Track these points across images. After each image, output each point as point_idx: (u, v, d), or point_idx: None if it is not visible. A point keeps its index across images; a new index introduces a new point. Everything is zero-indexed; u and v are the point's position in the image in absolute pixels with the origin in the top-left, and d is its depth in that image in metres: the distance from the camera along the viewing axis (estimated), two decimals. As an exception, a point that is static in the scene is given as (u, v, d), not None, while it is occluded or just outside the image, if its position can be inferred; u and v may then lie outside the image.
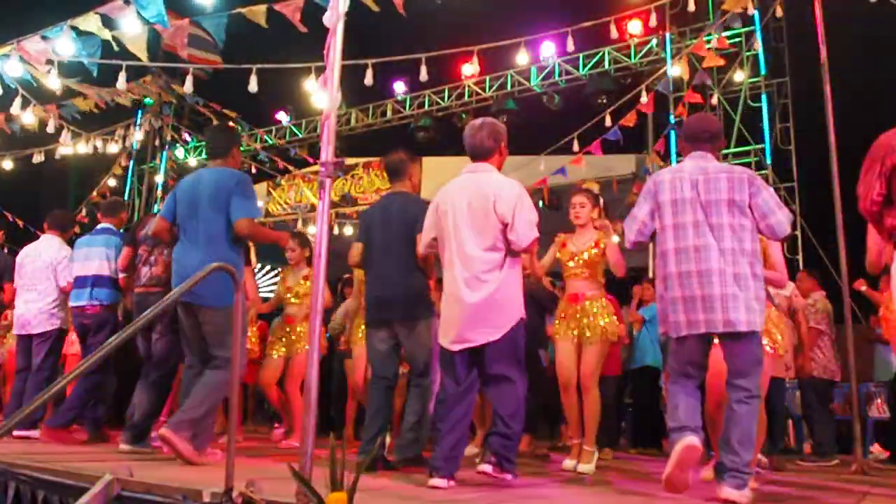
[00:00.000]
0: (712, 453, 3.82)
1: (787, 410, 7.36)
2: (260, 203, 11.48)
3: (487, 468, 3.21)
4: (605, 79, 10.72)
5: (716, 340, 3.20)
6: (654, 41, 10.62)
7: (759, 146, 9.88)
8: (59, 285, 5.36)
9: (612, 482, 3.83)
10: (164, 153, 14.45)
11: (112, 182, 12.61)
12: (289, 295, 5.60)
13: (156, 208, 14.25)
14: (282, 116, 13.63)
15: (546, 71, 11.44)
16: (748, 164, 9.69)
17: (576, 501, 3.08)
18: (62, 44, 5.97)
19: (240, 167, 4.21)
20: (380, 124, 13.04)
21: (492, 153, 3.53)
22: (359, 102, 13.00)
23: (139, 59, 6.02)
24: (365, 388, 4.70)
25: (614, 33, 8.14)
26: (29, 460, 3.11)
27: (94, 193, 12.33)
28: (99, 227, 5.39)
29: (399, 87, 12.39)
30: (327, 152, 2.64)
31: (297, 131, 13.67)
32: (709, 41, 8.25)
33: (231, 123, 11.46)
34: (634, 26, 10.00)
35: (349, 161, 11.62)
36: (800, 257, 9.61)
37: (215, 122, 11.69)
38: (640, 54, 10.83)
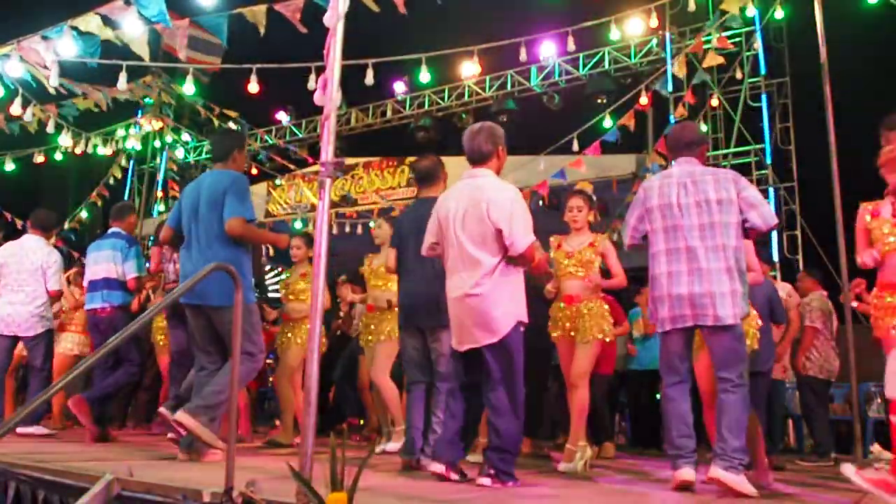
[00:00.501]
0: (710, 455, 3.83)
1: (787, 410, 7.37)
2: (259, 202, 11.51)
3: (486, 481, 3.21)
4: (605, 79, 10.71)
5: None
6: (655, 41, 10.62)
7: (759, 146, 9.87)
8: (49, 289, 5.39)
9: (609, 482, 3.84)
10: (164, 153, 14.45)
11: (112, 182, 12.59)
12: (285, 291, 5.57)
13: (156, 209, 14.27)
14: (282, 116, 13.63)
15: (546, 71, 11.44)
16: (748, 164, 9.70)
17: (572, 501, 3.08)
18: (62, 44, 5.98)
19: (242, 171, 4.19)
20: (380, 124, 13.04)
21: (490, 157, 3.53)
22: (359, 102, 13.00)
23: (139, 59, 6.03)
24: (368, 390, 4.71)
25: (614, 33, 8.14)
26: (29, 460, 3.11)
27: (94, 193, 12.32)
28: (109, 231, 5.50)
29: (399, 87, 12.38)
30: (327, 152, 2.64)
31: (297, 131, 13.67)
32: (708, 41, 8.25)
33: (232, 125, 11.45)
34: (634, 26, 9.99)
35: (349, 161, 11.61)
36: (800, 257, 9.61)
37: (216, 123, 11.72)
38: (640, 54, 10.83)
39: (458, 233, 3.40)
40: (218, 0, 6.09)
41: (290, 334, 5.40)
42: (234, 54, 7.88)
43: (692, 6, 7.35)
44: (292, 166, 12.10)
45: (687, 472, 3.18)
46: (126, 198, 13.81)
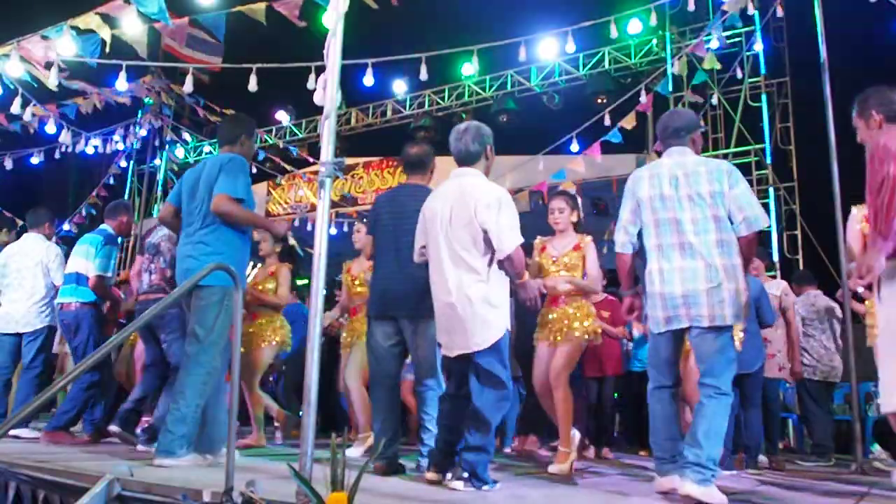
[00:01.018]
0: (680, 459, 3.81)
1: (787, 410, 7.36)
2: (259, 202, 11.49)
3: (458, 485, 3.07)
4: (605, 79, 10.72)
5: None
6: (654, 41, 10.62)
7: (759, 146, 9.87)
8: (55, 283, 5.38)
9: (604, 485, 3.84)
10: (165, 153, 14.44)
11: (112, 182, 12.59)
12: (260, 287, 5.28)
13: (156, 209, 14.25)
14: (282, 116, 13.63)
15: (546, 71, 11.44)
16: (748, 164, 9.70)
17: (567, 501, 3.08)
18: (62, 44, 5.97)
19: (250, 158, 4.03)
20: (380, 124, 13.05)
21: (478, 157, 3.45)
22: (359, 102, 13.00)
23: (139, 59, 6.02)
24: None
25: (614, 33, 8.13)
26: (29, 460, 3.11)
27: (94, 193, 12.32)
28: (97, 228, 5.44)
29: (399, 87, 12.38)
30: (327, 152, 2.64)
31: (297, 131, 13.67)
32: (708, 41, 8.24)
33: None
34: (634, 26, 10.00)
35: (349, 161, 11.60)
36: (800, 257, 9.61)
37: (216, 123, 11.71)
38: (640, 54, 10.83)
39: (444, 234, 3.32)
40: (217, -1, 6.10)
41: (252, 330, 5.10)
42: (234, 54, 7.88)
43: (692, 6, 7.34)
44: (292, 166, 12.10)
45: (673, 480, 3.05)
46: (126, 198, 13.80)
